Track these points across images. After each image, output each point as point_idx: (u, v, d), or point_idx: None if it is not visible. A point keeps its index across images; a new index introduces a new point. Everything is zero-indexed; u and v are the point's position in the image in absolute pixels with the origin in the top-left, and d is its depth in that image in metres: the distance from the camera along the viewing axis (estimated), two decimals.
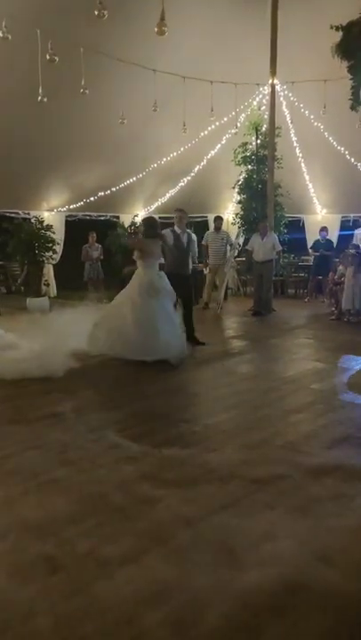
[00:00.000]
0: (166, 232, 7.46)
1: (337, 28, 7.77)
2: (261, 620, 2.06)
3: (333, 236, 13.38)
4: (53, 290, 13.29)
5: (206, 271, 11.45)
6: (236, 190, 13.50)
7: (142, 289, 6.49)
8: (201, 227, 13.95)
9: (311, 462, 3.52)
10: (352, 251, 9.91)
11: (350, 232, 13.55)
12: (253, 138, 12.90)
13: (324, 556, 2.45)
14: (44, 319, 8.24)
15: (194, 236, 8.06)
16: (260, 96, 12.94)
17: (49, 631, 2.02)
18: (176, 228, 7.55)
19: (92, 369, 6.08)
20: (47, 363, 5.78)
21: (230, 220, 14.20)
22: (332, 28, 7.78)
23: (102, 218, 14.49)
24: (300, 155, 13.39)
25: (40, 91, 8.95)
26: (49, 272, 13.02)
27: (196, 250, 8.09)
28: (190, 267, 7.84)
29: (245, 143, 12.98)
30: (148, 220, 7.22)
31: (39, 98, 8.99)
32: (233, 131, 12.83)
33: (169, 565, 2.39)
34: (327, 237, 12.44)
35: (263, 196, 12.10)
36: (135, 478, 3.27)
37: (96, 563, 2.42)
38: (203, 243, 11.20)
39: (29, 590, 2.24)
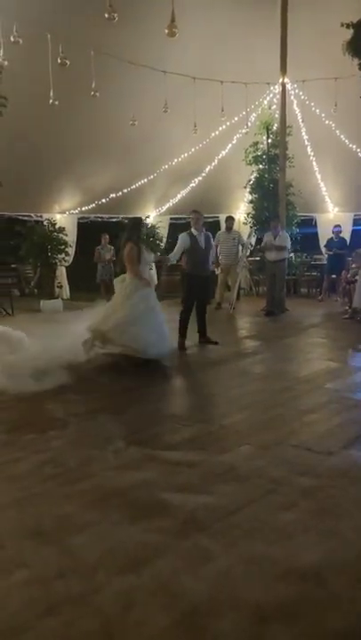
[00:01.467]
0: (183, 236, 7.47)
1: (348, 26, 7.74)
2: (271, 627, 2.05)
3: (346, 233, 13.31)
4: (66, 292, 13.37)
5: (218, 271, 11.44)
6: (248, 190, 13.49)
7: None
8: (213, 227, 13.93)
9: (327, 462, 3.51)
10: None
11: None
12: (264, 137, 12.88)
13: (340, 561, 2.44)
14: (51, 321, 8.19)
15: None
16: (271, 95, 12.92)
17: (54, 636, 2.01)
18: (193, 229, 7.54)
19: (100, 371, 6.05)
20: (18, 383, 5.38)
21: (242, 219, 14.18)
22: (342, 25, 7.75)
23: (114, 219, 14.53)
24: (312, 153, 13.34)
25: (51, 94, 9.01)
26: (62, 274, 13.11)
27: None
28: (210, 267, 7.92)
29: (256, 142, 12.96)
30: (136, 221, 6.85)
31: (50, 101, 9.06)
32: (244, 130, 12.82)
33: (181, 569, 2.38)
34: (341, 235, 12.38)
35: (275, 195, 12.07)
36: (148, 480, 3.27)
37: (106, 567, 2.41)
38: (214, 243, 11.17)
39: (35, 595, 2.23)
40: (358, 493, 3.08)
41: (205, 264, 7.62)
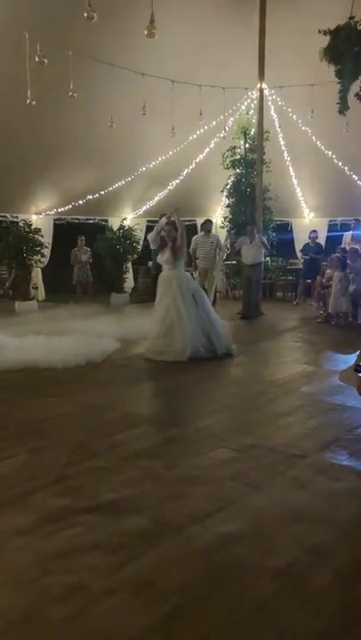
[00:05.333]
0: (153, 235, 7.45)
1: (325, 33, 7.80)
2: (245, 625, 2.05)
3: (321, 239, 13.46)
4: (42, 293, 13.26)
5: (195, 275, 11.43)
6: (225, 194, 13.55)
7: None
8: (190, 230, 13.95)
9: (302, 464, 3.52)
10: (335, 255, 9.99)
11: (340, 233, 13.61)
12: (242, 142, 12.96)
13: (315, 560, 2.46)
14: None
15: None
16: (249, 100, 13.02)
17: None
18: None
19: (82, 373, 6.07)
20: None
21: (219, 223, 14.24)
22: (319, 32, 7.81)
23: (91, 221, 14.46)
24: (288, 158, 13.48)
25: (29, 94, 8.93)
26: (37, 275, 12.99)
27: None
28: None
29: (234, 147, 13.03)
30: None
31: (27, 101, 8.97)
32: (222, 134, 12.89)
33: (156, 573, 2.38)
34: (317, 241, 12.51)
35: (252, 199, 12.15)
36: (125, 483, 3.25)
37: (88, 566, 2.39)
38: (192, 246, 11.20)
39: (28, 598, 2.21)
40: (333, 495, 3.10)
41: None
